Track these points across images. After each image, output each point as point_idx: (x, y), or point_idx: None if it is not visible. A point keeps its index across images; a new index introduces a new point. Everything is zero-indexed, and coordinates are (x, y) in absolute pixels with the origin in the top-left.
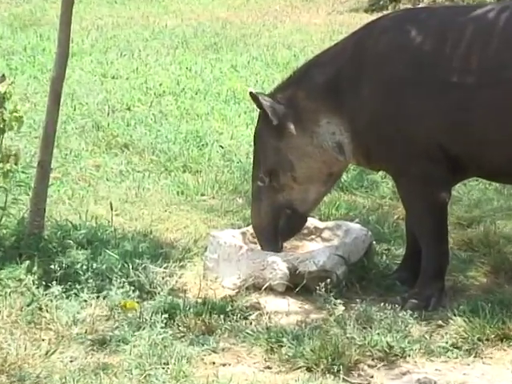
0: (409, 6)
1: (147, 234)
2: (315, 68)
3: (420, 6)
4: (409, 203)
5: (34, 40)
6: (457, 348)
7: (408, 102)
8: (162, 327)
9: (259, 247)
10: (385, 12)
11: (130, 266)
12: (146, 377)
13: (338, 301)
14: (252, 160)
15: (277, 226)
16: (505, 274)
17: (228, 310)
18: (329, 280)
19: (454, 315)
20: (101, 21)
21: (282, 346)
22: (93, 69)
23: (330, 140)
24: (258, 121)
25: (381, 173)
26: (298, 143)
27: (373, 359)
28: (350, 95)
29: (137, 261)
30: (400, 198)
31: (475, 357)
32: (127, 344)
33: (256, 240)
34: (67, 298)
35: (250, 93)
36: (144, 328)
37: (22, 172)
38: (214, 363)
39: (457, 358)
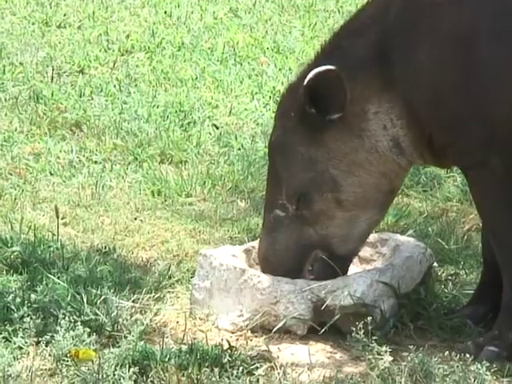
0: None
1: (108, 253)
2: (349, 38)
3: None
4: (486, 208)
5: None
6: None
7: (486, 64)
8: None
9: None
10: None
11: (84, 299)
12: None
13: (384, 348)
14: (267, 179)
15: (301, 269)
16: None
17: (225, 361)
18: (370, 318)
19: None
20: None
21: None
22: (30, 14)
23: (384, 138)
24: (276, 124)
25: None
26: (345, 149)
27: None
28: (401, 64)
29: (93, 291)
30: (473, 200)
31: None
32: None
33: None
34: None
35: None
36: None
37: None
38: None
39: None
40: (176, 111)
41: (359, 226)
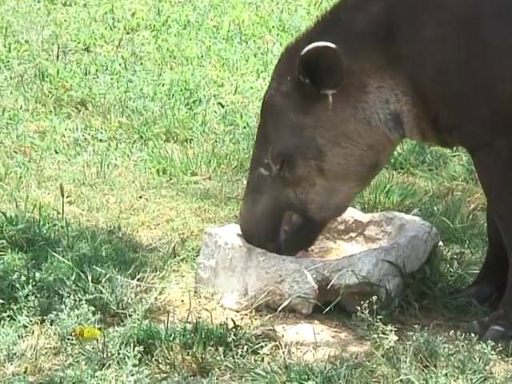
0: None
1: (114, 231)
2: (350, 11)
3: None
4: (492, 189)
5: None
6: None
7: (492, 43)
8: (134, 364)
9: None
10: None
11: (89, 278)
12: None
13: (389, 327)
14: (256, 136)
15: (277, 232)
16: None
17: (230, 340)
18: (375, 297)
19: None
20: None
21: None
22: None
23: (381, 111)
24: (271, 83)
25: None
26: (334, 119)
27: None
28: (406, 43)
29: (98, 270)
30: (479, 181)
31: None
32: None
33: None
34: None
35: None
36: (109, 366)
37: None
38: None
39: None
40: (181, 90)
41: (337, 196)
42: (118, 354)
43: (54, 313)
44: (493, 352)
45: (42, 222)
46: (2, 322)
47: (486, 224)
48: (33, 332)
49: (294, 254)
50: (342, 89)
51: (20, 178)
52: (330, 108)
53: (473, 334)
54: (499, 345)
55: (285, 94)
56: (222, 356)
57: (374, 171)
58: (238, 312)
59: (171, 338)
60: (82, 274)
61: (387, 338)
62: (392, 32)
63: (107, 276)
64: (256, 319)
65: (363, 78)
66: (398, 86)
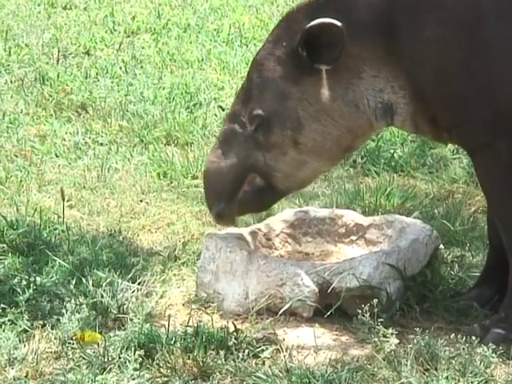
0: None
1: (114, 235)
2: None
3: None
4: (492, 191)
5: None
6: None
7: (492, 44)
8: (135, 369)
9: (276, 253)
10: None
11: (90, 282)
12: None
13: (390, 330)
14: (238, 90)
15: (238, 188)
16: None
17: (231, 344)
18: (376, 300)
19: None
20: None
21: None
22: None
23: (373, 98)
24: (265, 44)
25: (450, 146)
26: (321, 96)
27: None
28: (406, 41)
29: (99, 273)
30: (479, 183)
31: None
32: None
33: (270, 243)
34: None
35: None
36: (110, 370)
37: None
38: None
39: None
40: (182, 93)
41: (305, 171)
42: (119, 358)
43: (55, 317)
44: (494, 355)
45: (42, 226)
46: (3, 326)
47: (486, 227)
48: (34, 336)
49: (244, 214)
50: (337, 69)
51: (21, 181)
52: (320, 84)
53: (474, 337)
54: (500, 348)
55: (277, 58)
56: (223, 360)
57: (347, 154)
58: (238, 316)
59: (172, 342)
60: (82, 278)
61: (388, 342)
62: (392, 28)
63: (108, 280)
64: (257, 323)
65: (359, 64)
66: (395, 79)
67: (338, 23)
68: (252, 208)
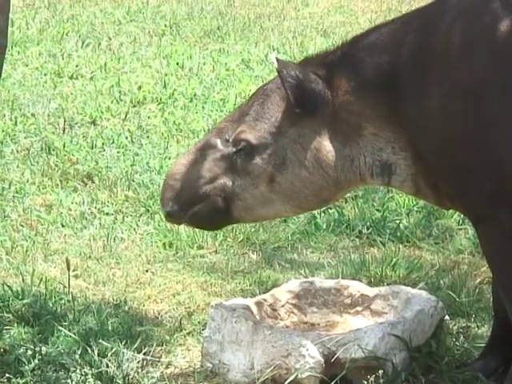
0: None
1: (120, 305)
2: (364, 50)
3: None
4: (495, 261)
5: None
6: None
7: (497, 117)
8: None
9: (281, 324)
10: None
11: (95, 351)
12: None
13: None
14: (235, 109)
15: (196, 202)
16: None
17: None
18: (381, 371)
19: None
20: None
21: None
22: (42, 65)
23: (371, 156)
24: (276, 78)
25: (456, 216)
26: (317, 144)
27: None
28: (410, 105)
29: (105, 343)
30: (483, 254)
31: None
32: None
33: (276, 313)
34: None
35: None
36: None
37: None
38: None
39: None
40: None
41: (268, 210)
42: None
43: None
44: None
45: (48, 296)
46: None
47: (491, 298)
48: None
49: (192, 227)
50: (338, 122)
51: (26, 251)
52: (319, 132)
53: None
54: None
55: (284, 94)
56: None
57: (321, 206)
58: None
59: None
60: (88, 348)
61: None
62: (396, 89)
63: (113, 350)
64: None
65: (361, 121)
66: (396, 140)
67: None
68: (201, 225)
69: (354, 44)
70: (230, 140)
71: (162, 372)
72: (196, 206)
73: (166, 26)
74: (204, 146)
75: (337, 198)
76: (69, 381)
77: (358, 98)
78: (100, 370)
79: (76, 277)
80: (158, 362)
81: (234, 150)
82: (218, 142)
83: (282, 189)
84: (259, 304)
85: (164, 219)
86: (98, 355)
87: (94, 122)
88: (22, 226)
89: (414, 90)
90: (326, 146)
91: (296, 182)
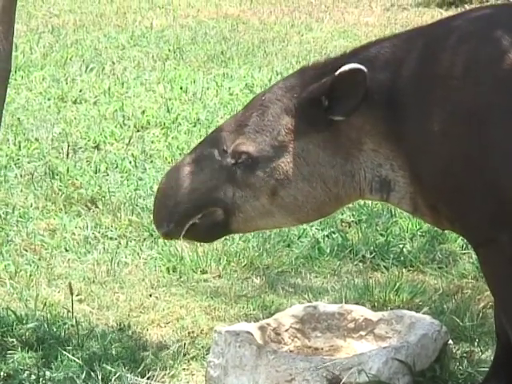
0: None
1: (124, 329)
2: (364, 64)
3: None
4: (496, 285)
5: None
6: None
7: (500, 140)
8: None
9: (285, 348)
10: (467, 7)
11: (99, 376)
12: None
13: None
14: (231, 117)
15: (193, 217)
16: None
17: None
18: None
19: None
20: (57, 19)
21: None
22: (45, 89)
23: (370, 171)
24: (275, 88)
25: (460, 240)
26: (321, 159)
27: None
28: (411, 125)
29: (108, 368)
30: (484, 277)
31: None
32: None
33: (279, 337)
34: None
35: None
36: None
37: None
38: None
39: None
40: None
41: (266, 222)
42: None
43: None
44: None
45: (51, 321)
46: None
47: (494, 323)
48: None
49: (190, 241)
50: (340, 137)
51: (30, 276)
52: (323, 147)
53: None
54: None
55: (285, 107)
56: None
57: (319, 219)
58: None
59: None
60: (92, 373)
61: None
62: (395, 106)
63: (117, 374)
64: None
65: (361, 136)
66: (395, 158)
67: (363, 68)
68: (200, 239)
69: (354, 56)
70: (229, 151)
71: None
72: (192, 218)
73: (169, 50)
74: (200, 157)
75: (335, 211)
76: None
77: (357, 113)
78: None
79: (80, 301)
80: None
81: (233, 161)
82: (216, 152)
83: (284, 202)
84: (263, 328)
85: (161, 238)
86: (102, 380)
87: (97, 147)
88: (26, 250)
89: (415, 111)
90: (329, 161)
91: (299, 196)
